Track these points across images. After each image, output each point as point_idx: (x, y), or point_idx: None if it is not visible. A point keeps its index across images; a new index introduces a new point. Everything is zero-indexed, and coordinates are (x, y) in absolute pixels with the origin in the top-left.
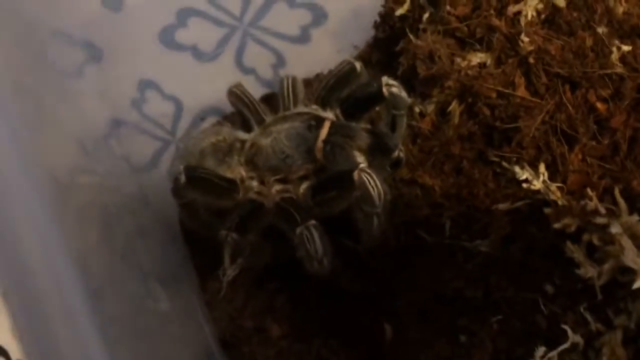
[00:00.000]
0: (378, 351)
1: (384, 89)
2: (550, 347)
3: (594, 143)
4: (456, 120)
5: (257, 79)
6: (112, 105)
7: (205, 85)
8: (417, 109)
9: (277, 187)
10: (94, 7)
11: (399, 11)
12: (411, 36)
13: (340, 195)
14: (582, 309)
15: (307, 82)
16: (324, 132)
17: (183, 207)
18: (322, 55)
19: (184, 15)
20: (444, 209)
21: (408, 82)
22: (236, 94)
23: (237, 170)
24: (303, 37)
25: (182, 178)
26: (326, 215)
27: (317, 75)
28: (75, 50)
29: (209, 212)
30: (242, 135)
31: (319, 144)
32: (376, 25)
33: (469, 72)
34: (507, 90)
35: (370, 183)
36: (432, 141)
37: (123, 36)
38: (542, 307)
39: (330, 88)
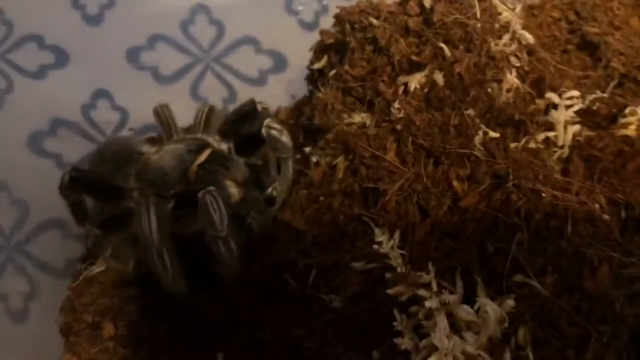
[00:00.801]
0: None
1: (263, 130)
2: None
3: (444, 219)
4: (340, 174)
5: None
6: (61, 106)
7: (156, 104)
8: (313, 159)
9: (152, 201)
10: (73, 19)
11: (317, 65)
12: (321, 89)
13: (189, 215)
14: None
15: None
16: (201, 157)
17: (70, 205)
18: (273, 99)
19: (155, 39)
20: (312, 257)
21: (311, 132)
22: (158, 112)
23: (129, 180)
24: (260, 80)
25: (66, 178)
26: (183, 234)
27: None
28: (44, 53)
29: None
30: (144, 148)
31: (194, 167)
32: (306, 78)
33: (347, 128)
34: (378, 153)
35: (212, 205)
36: (318, 191)
37: (93, 48)
38: None
39: (231, 122)
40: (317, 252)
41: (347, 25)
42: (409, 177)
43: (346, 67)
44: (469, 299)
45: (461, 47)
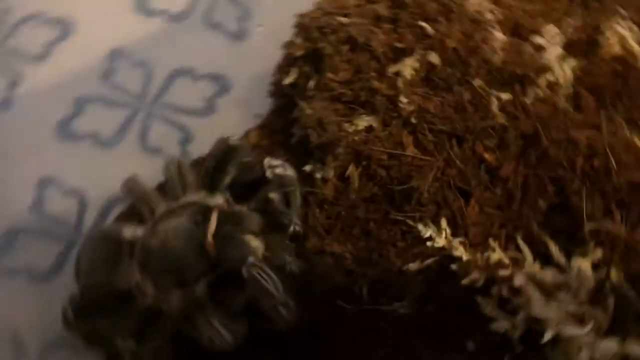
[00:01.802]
0: None
1: (268, 173)
2: None
3: (488, 194)
4: (356, 183)
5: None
6: (6, 213)
7: (110, 174)
8: (318, 175)
9: (176, 292)
10: None
11: (287, 80)
12: (302, 104)
13: (237, 292)
14: None
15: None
16: (212, 225)
17: (84, 336)
18: (229, 125)
19: (81, 102)
20: (358, 275)
21: (305, 150)
22: (128, 188)
23: (131, 276)
24: (208, 109)
25: (69, 314)
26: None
27: (196, 161)
28: None
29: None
30: (129, 234)
31: (209, 239)
32: (272, 94)
33: (357, 137)
34: (396, 151)
35: (262, 277)
36: (337, 207)
37: (16, 135)
38: None
39: (213, 171)
40: (362, 267)
41: (315, 31)
42: (439, 165)
43: (329, 74)
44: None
45: (441, 19)
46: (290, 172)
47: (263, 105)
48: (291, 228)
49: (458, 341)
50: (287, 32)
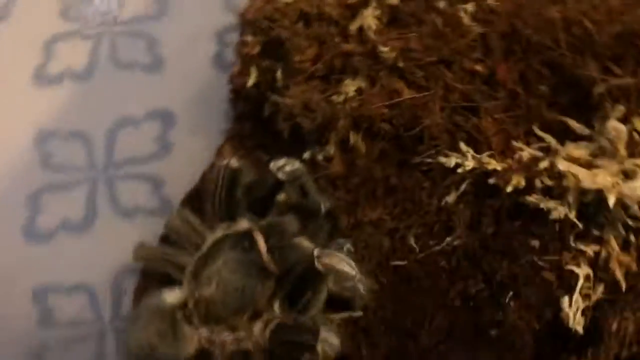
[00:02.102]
0: None
1: (280, 175)
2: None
3: (493, 102)
4: (363, 148)
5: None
6: None
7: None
8: (320, 157)
9: (256, 325)
10: None
11: (250, 81)
12: (276, 97)
13: (317, 291)
14: (573, 244)
15: None
16: (261, 243)
17: None
18: (193, 154)
19: (34, 199)
20: (401, 230)
21: (298, 139)
22: (141, 256)
23: (195, 338)
24: (166, 148)
25: None
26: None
27: (190, 197)
28: None
29: None
30: (173, 299)
31: (266, 258)
32: (233, 103)
33: (352, 104)
34: (394, 100)
35: (335, 261)
36: (352, 178)
37: None
38: (540, 263)
39: (226, 201)
40: (402, 221)
41: (264, 21)
42: (440, 94)
43: (295, 57)
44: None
45: None
46: (296, 164)
47: (216, 121)
48: (322, 209)
49: (522, 246)
50: (201, 44)
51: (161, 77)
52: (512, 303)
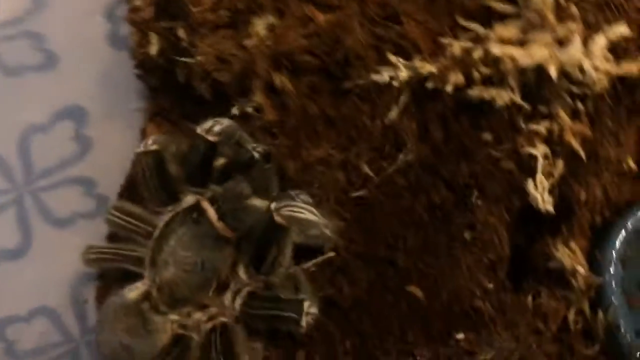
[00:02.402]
0: None
1: (210, 137)
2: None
3: (411, 3)
4: (290, 87)
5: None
6: None
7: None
8: (249, 109)
9: (225, 298)
10: None
11: (153, 49)
12: (185, 60)
13: (281, 246)
14: (524, 126)
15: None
16: (210, 212)
17: None
18: (116, 145)
19: None
20: (352, 160)
21: (221, 97)
22: (91, 259)
23: (167, 326)
24: (86, 146)
25: None
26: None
27: (126, 188)
28: None
29: None
30: (134, 294)
31: (218, 224)
32: (143, 78)
33: (267, 43)
34: (308, 29)
35: (295, 212)
36: (287, 121)
37: None
38: (497, 154)
39: (160, 184)
40: (349, 151)
41: None
42: (355, 9)
43: (194, 10)
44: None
45: None
46: (225, 121)
47: (131, 102)
48: (256, 155)
49: (475, 143)
50: (91, 26)
51: (57, 73)
52: (479, 202)
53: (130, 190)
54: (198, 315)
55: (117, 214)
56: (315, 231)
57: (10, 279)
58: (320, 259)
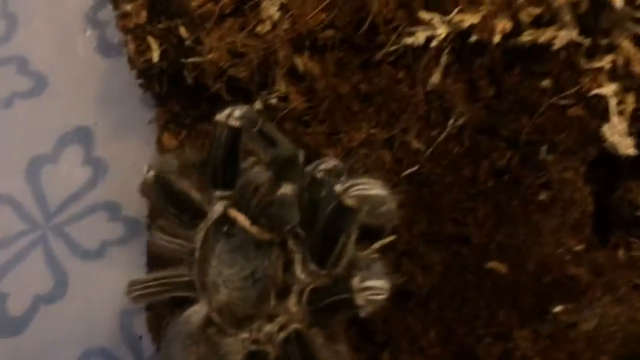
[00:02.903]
0: None
1: (232, 123)
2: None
3: None
4: (315, 68)
5: None
6: None
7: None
8: (273, 101)
9: (289, 301)
10: None
11: (154, 55)
12: (193, 59)
13: (349, 231)
14: (585, 65)
15: None
16: (240, 219)
17: None
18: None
19: None
20: (397, 136)
21: (239, 92)
22: (137, 293)
23: (239, 345)
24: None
25: None
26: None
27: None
28: None
29: None
30: (197, 316)
31: (253, 229)
32: (147, 87)
33: (284, 26)
34: (322, 10)
35: (363, 190)
36: (318, 106)
37: None
38: (561, 102)
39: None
40: (389, 129)
41: None
42: None
43: (193, 4)
44: None
45: None
46: (245, 109)
47: (139, 112)
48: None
49: (533, 93)
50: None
51: (50, 95)
52: (549, 157)
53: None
54: (268, 327)
55: (156, 236)
56: (385, 208)
57: (52, 324)
58: (382, 242)
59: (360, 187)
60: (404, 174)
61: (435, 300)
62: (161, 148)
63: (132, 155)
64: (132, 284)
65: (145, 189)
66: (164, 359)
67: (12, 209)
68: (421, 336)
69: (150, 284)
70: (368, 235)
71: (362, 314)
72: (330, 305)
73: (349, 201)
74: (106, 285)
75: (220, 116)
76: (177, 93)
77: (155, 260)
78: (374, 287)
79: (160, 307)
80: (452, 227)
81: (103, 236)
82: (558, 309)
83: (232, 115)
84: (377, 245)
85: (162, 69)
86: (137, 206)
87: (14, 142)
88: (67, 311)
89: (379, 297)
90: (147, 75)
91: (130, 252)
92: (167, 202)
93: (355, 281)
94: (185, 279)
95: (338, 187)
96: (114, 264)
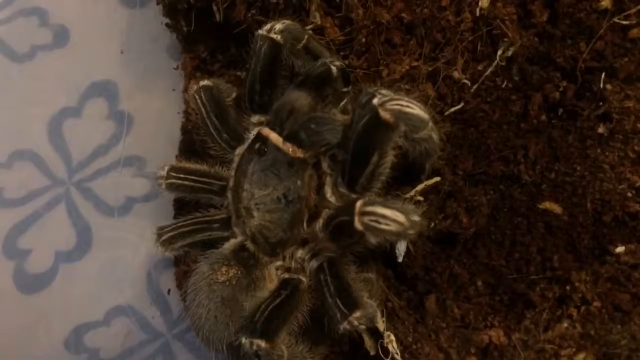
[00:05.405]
0: None
1: (276, 37)
2: None
3: None
4: None
5: None
6: None
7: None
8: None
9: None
10: None
11: None
12: None
13: (383, 150)
14: None
15: None
16: (273, 136)
17: None
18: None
19: None
20: (442, 69)
21: None
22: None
23: (272, 273)
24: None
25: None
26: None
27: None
28: None
29: None
30: (229, 245)
31: (286, 147)
32: (174, 27)
33: None
34: None
35: (402, 105)
36: (359, 36)
37: None
38: (624, 22)
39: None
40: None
41: None
42: None
43: None
44: None
45: None
46: (289, 22)
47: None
48: (333, 70)
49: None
50: None
51: (72, 48)
52: (608, 86)
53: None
54: (300, 253)
55: (181, 175)
56: (424, 132)
57: (76, 282)
58: (425, 183)
59: (400, 102)
60: (448, 111)
61: (483, 245)
62: (188, 97)
63: (157, 108)
64: (160, 229)
65: (196, 96)
66: (190, 288)
67: (33, 164)
68: (468, 285)
69: (179, 225)
70: (408, 178)
71: (371, 243)
72: (336, 228)
73: (385, 115)
74: (131, 242)
75: (262, 29)
76: (204, 35)
77: (183, 213)
78: (377, 214)
79: (188, 261)
80: (501, 166)
81: (128, 192)
82: (620, 249)
83: (274, 28)
84: (419, 187)
85: (190, 3)
86: (163, 160)
87: (35, 96)
88: (90, 268)
89: (384, 227)
90: (174, 11)
91: (157, 208)
92: (213, 112)
93: (359, 203)
94: (216, 217)
95: (376, 99)
96: (139, 221)
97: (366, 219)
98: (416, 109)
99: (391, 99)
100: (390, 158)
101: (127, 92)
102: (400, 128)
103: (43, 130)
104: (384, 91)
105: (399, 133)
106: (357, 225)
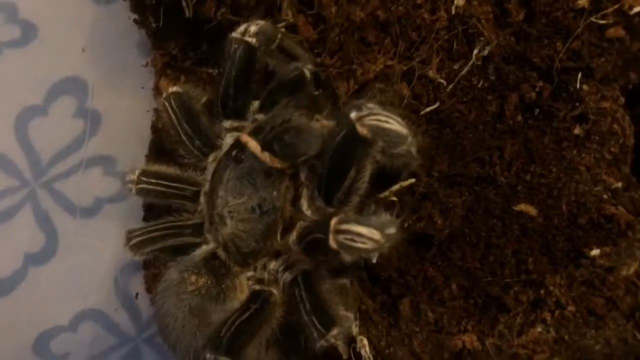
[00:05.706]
0: None
1: (247, 39)
2: None
3: None
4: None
5: None
6: None
7: None
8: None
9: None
10: None
11: None
12: None
13: (361, 166)
14: None
15: None
16: (252, 144)
17: None
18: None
19: None
20: (416, 68)
21: None
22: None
23: (244, 283)
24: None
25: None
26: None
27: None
28: None
29: None
30: (201, 253)
31: (264, 156)
32: (142, 23)
33: None
34: None
35: (381, 121)
36: (332, 34)
37: None
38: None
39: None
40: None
41: None
42: None
43: None
44: None
45: None
46: (262, 24)
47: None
48: (306, 73)
49: (568, 13)
50: None
51: (39, 44)
52: (584, 87)
53: (157, 154)
54: (274, 265)
55: (152, 180)
56: (403, 148)
57: (43, 285)
58: (400, 184)
59: (379, 117)
60: (422, 112)
61: (457, 248)
62: (158, 93)
63: (127, 106)
64: (129, 232)
65: (166, 103)
66: (158, 295)
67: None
68: (442, 288)
69: (148, 229)
70: (383, 181)
71: (346, 260)
72: (309, 244)
73: (363, 130)
74: (99, 244)
75: (236, 32)
76: (174, 31)
77: (153, 215)
78: (353, 232)
79: (158, 265)
80: (476, 167)
81: (97, 193)
82: (595, 252)
83: (248, 30)
84: (393, 188)
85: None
86: (133, 159)
87: (1, 94)
88: (58, 271)
89: (359, 245)
90: (142, 7)
91: (126, 209)
92: (184, 120)
93: (334, 221)
94: (187, 222)
95: (354, 113)
96: (108, 222)
97: (341, 237)
98: (395, 124)
99: (369, 114)
100: (368, 173)
101: (96, 90)
102: (378, 144)
103: (9, 129)
104: (370, 105)
105: (377, 149)
106: (332, 243)
